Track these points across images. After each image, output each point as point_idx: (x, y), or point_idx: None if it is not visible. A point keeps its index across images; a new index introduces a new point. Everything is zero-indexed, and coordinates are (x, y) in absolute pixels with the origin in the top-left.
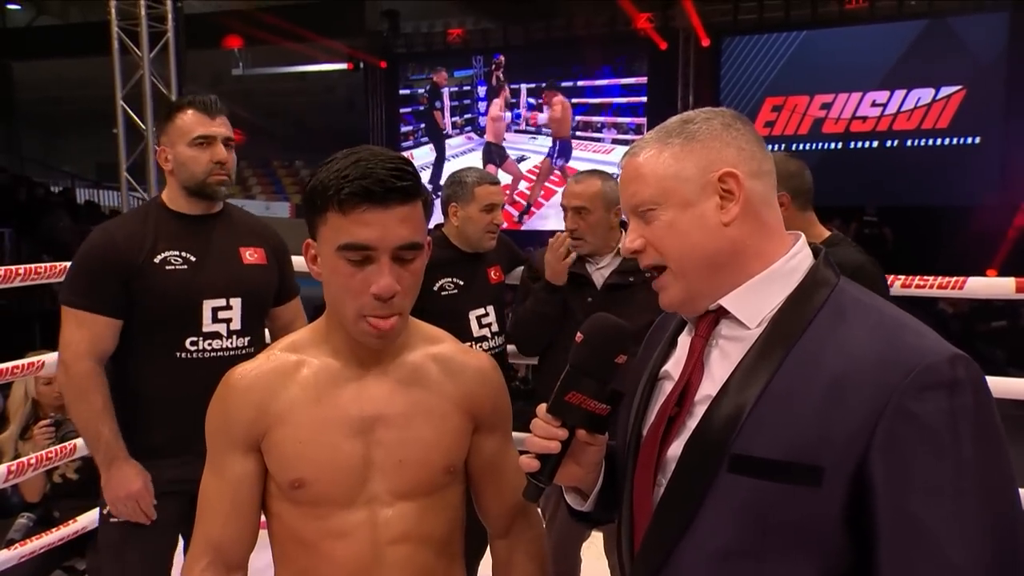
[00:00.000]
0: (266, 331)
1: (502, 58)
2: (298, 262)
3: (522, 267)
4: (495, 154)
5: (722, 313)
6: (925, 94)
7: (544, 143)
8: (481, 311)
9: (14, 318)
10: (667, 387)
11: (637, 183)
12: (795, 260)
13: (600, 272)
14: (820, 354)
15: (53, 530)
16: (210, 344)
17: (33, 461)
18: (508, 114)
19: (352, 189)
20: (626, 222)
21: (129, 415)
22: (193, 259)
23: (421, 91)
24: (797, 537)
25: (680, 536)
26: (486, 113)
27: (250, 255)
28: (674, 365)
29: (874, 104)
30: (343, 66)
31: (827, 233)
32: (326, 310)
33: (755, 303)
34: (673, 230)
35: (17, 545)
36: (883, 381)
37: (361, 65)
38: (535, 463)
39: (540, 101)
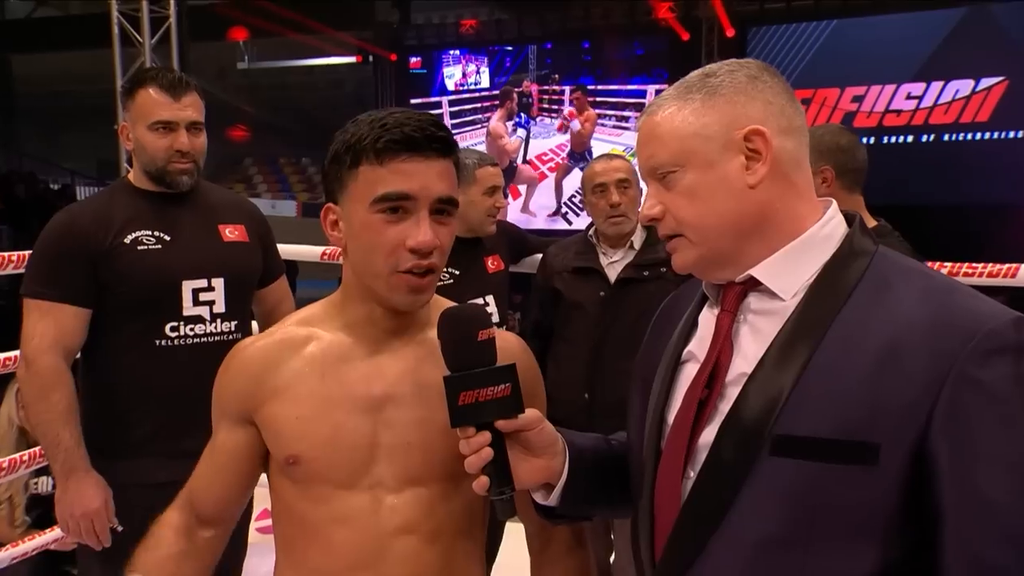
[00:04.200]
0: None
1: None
2: (286, 250)
3: (526, 256)
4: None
5: (751, 285)
6: (964, 86)
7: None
8: (480, 301)
9: (7, 311)
10: (692, 369)
11: (655, 144)
12: (829, 227)
13: (614, 266)
14: (867, 323)
15: (48, 531)
16: (192, 329)
17: (27, 458)
18: (513, 128)
19: (392, 136)
20: None
21: (106, 410)
22: (167, 238)
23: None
24: (850, 521)
25: (716, 526)
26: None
27: (230, 232)
28: (698, 345)
29: (909, 96)
30: (352, 59)
31: (873, 223)
32: (343, 282)
33: (789, 273)
34: (695, 194)
35: (9, 546)
36: (941, 347)
37: (370, 58)
38: (484, 480)
39: (570, 109)
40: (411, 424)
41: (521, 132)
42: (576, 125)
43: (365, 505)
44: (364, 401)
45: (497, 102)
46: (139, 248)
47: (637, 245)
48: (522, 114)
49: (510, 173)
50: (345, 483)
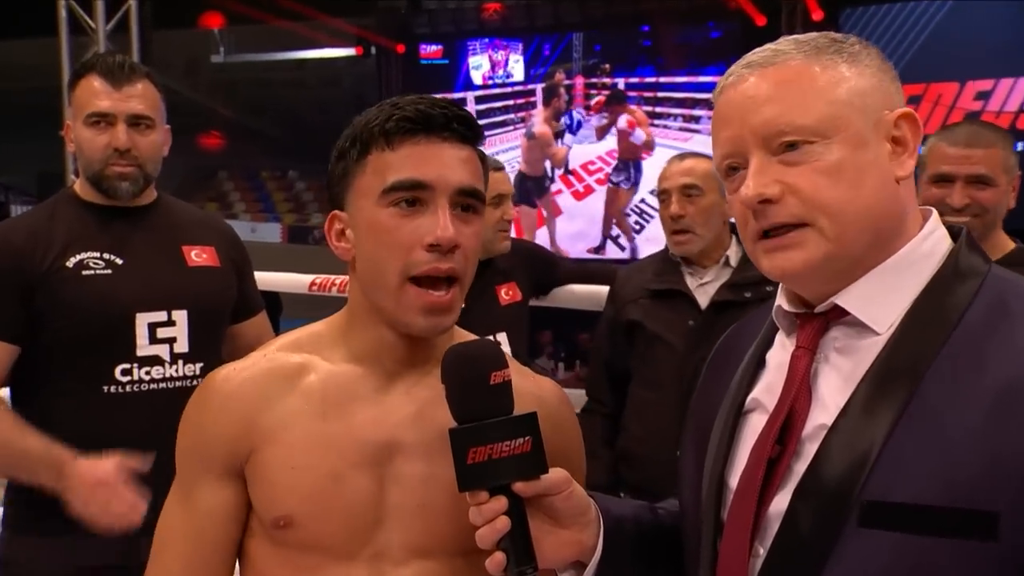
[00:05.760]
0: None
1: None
2: (269, 280)
3: (558, 285)
4: (532, 190)
5: (835, 316)
6: None
7: None
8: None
9: None
10: (759, 421)
11: (787, 103)
12: (931, 241)
13: (705, 288)
14: (979, 360)
15: None
16: (148, 372)
17: None
18: (560, 133)
19: (406, 113)
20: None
21: None
22: (119, 261)
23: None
24: None
25: None
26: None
27: (196, 255)
28: (766, 391)
29: None
30: (351, 51)
31: (1011, 245)
32: (349, 302)
33: (884, 300)
34: (841, 175)
35: None
36: None
37: (373, 50)
38: (499, 557)
39: (603, 120)
40: (424, 482)
41: (569, 138)
42: (623, 121)
43: None
44: (371, 449)
45: (533, 98)
46: (84, 273)
47: (734, 261)
48: (572, 113)
49: (540, 188)
50: (342, 552)
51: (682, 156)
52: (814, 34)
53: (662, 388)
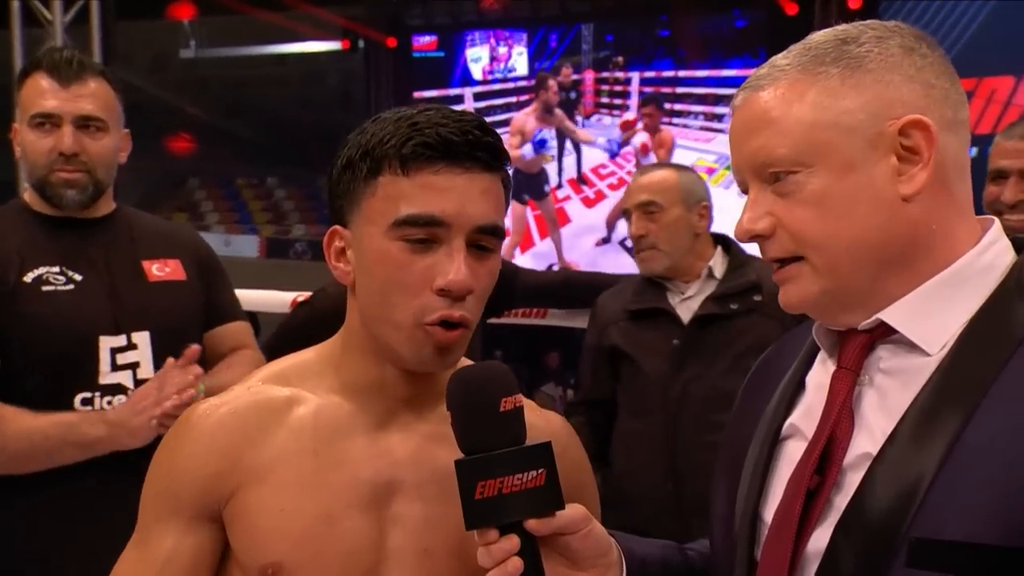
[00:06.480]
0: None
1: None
2: (245, 298)
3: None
4: (523, 186)
5: (881, 333)
6: None
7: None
8: None
9: None
10: (796, 449)
11: (768, 132)
12: (990, 254)
13: (688, 303)
14: None
15: None
16: (110, 403)
17: None
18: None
19: (424, 138)
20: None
21: None
22: (78, 278)
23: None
24: None
25: None
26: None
27: (158, 269)
28: (804, 416)
29: None
30: (336, 45)
31: None
32: (345, 328)
33: (936, 317)
34: (825, 205)
35: None
36: None
37: (360, 43)
38: None
39: (632, 120)
40: (426, 523)
41: (528, 148)
42: (641, 138)
43: None
44: (368, 490)
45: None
46: (44, 289)
47: (719, 273)
48: (542, 129)
49: (535, 187)
50: None
51: (643, 169)
52: (827, 33)
53: (648, 415)
